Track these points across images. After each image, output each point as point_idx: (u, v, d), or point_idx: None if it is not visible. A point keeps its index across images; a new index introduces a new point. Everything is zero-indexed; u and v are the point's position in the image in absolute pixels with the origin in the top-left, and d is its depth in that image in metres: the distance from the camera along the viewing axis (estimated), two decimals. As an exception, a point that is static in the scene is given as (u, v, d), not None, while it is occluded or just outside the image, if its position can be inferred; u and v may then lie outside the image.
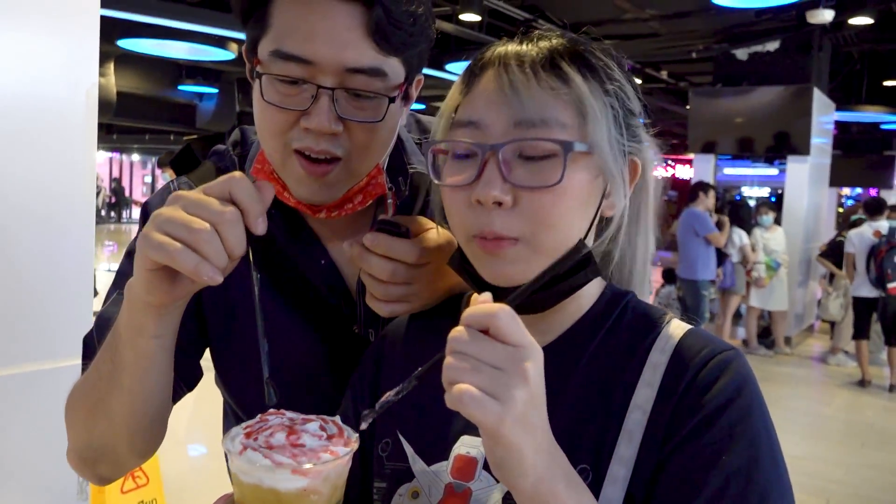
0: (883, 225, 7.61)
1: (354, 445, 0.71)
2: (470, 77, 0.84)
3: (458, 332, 0.65)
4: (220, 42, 8.54)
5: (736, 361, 0.78)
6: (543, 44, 0.82)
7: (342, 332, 1.10)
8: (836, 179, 12.41)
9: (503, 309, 0.65)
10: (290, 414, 0.74)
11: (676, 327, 0.83)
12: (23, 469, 1.89)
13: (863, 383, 7.50)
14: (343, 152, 0.97)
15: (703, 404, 0.75)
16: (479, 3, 7.74)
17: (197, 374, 1.12)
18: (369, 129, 0.98)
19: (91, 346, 1.05)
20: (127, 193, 30.23)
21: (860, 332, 7.61)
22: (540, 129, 0.77)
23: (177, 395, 1.08)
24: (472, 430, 0.84)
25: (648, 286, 0.95)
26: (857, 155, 15.60)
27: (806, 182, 9.34)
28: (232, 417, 1.24)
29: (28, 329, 1.86)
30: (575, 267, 0.81)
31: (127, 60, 11.12)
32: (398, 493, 0.86)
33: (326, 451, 0.68)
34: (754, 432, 0.74)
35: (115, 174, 30.57)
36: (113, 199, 29.01)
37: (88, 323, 2.01)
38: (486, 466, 0.82)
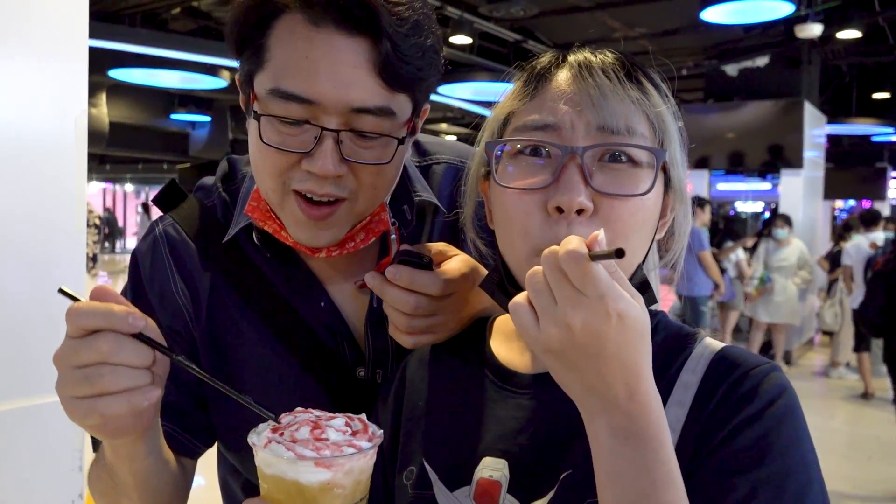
0: (879, 236, 7.60)
1: (379, 440, 0.70)
2: (536, 82, 0.79)
3: (551, 255, 0.63)
4: (212, 70, 8.55)
5: (772, 374, 0.75)
6: (612, 55, 0.79)
7: (345, 378, 1.04)
8: (830, 192, 12.44)
9: (586, 260, 0.61)
10: (316, 412, 0.74)
11: (708, 346, 0.80)
12: (13, 509, 1.83)
13: (866, 396, 7.45)
14: (348, 193, 0.92)
15: (735, 414, 0.72)
16: (470, 26, 7.77)
17: (211, 430, 1.08)
18: (376, 171, 0.92)
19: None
20: (120, 224, 30.16)
21: (861, 345, 7.57)
22: (624, 137, 0.74)
23: (197, 453, 1.07)
24: (493, 451, 0.81)
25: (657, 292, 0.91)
26: (849, 167, 15.66)
27: (800, 195, 9.36)
28: (228, 467, 1.20)
29: (19, 363, 1.81)
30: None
31: (118, 91, 11.14)
32: None
33: (350, 445, 0.68)
34: (787, 443, 0.71)
35: (109, 205, 30.51)
36: (106, 230, 28.94)
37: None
38: (510, 490, 0.78)
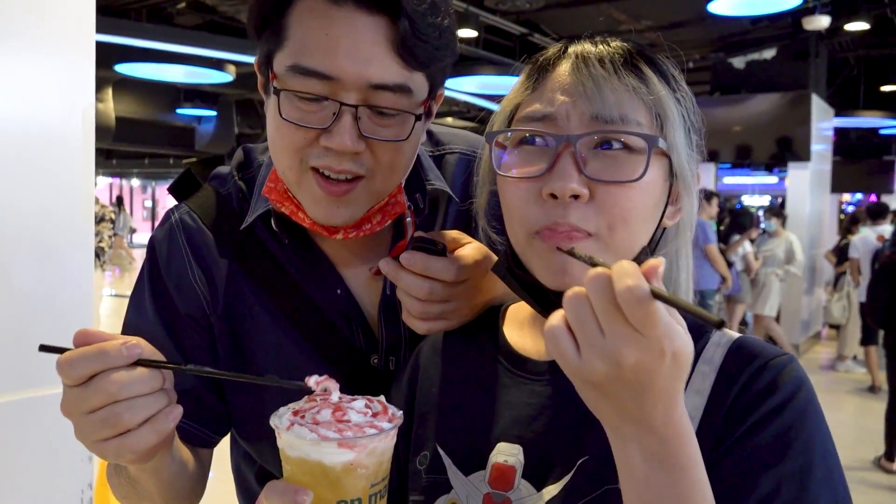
0: (887, 229, 7.57)
1: (399, 421, 0.71)
2: (538, 74, 0.81)
3: (598, 277, 0.58)
4: (218, 65, 8.56)
5: (790, 366, 0.75)
6: (615, 45, 0.80)
7: (359, 366, 1.05)
8: (837, 185, 12.40)
9: (644, 292, 0.56)
10: (335, 394, 0.74)
11: (724, 335, 0.80)
12: (16, 498, 1.84)
13: (873, 389, 7.43)
14: (366, 171, 0.93)
15: (755, 408, 0.72)
16: (476, 20, 7.76)
17: (227, 419, 1.10)
18: (394, 148, 0.93)
19: None
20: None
21: (868, 338, 7.54)
22: (618, 126, 0.75)
23: (213, 442, 1.09)
24: (508, 436, 0.82)
25: (689, 295, 0.91)
26: (856, 160, 15.59)
27: (807, 188, 9.32)
28: (240, 453, 1.21)
29: (28, 354, 1.82)
30: None
31: (124, 85, 11.16)
32: None
33: (371, 426, 0.69)
34: (808, 437, 0.71)
35: (111, 200, 30.64)
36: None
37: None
38: (524, 475, 0.79)
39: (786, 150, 9.27)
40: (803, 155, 9.15)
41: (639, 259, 0.78)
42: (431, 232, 0.98)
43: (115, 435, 0.72)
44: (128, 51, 7.98)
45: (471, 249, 0.95)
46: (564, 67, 0.79)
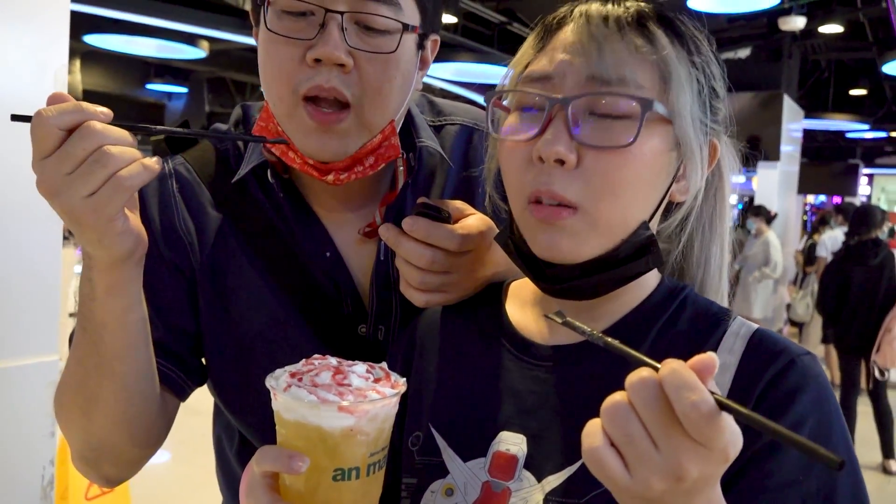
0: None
1: (402, 388, 0.68)
2: (545, 33, 0.78)
3: (650, 384, 0.53)
4: (191, 40, 8.37)
5: (813, 369, 0.73)
6: (629, 4, 0.76)
7: (346, 333, 1.02)
8: (803, 186, 12.60)
9: (713, 406, 0.51)
10: (332, 359, 0.71)
11: (742, 326, 0.77)
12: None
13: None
14: (353, 95, 0.90)
15: (780, 414, 0.69)
16: (455, 5, 7.70)
17: (202, 368, 1.05)
18: (382, 68, 0.91)
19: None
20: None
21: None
22: (616, 88, 0.71)
23: (184, 392, 1.02)
24: (511, 425, 0.79)
25: (724, 300, 0.87)
26: (822, 163, 15.88)
27: (776, 189, 9.46)
28: (223, 423, 1.16)
29: (-10, 327, 1.75)
30: (635, 253, 0.75)
31: (93, 58, 10.89)
32: (430, 490, 0.80)
33: (373, 391, 0.66)
34: (836, 441, 0.69)
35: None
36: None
37: (57, 319, 1.90)
38: (527, 465, 0.76)
39: (755, 148, 9.38)
40: (773, 155, 9.27)
41: (636, 236, 0.74)
42: (435, 199, 0.96)
43: (107, 179, 0.71)
44: (98, 21, 7.76)
45: (475, 219, 0.93)
46: (569, 27, 0.76)
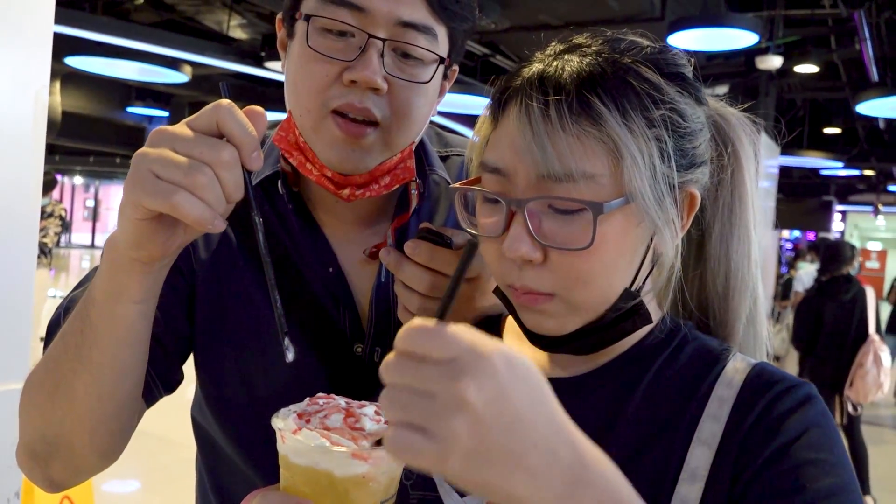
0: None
1: None
2: (496, 107, 0.75)
3: (387, 359, 0.51)
4: (174, 64, 8.37)
5: (812, 396, 0.72)
6: (574, 66, 0.70)
7: (342, 352, 1.00)
8: (779, 222, 12.78)
9: (422, 323, 0.50)
10: (340, 399, 0.67)
11: (742, 361, 0.76)
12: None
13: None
14: (382, 116, 0.92)
15: (778, 431, 0.68)
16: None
17: (178, 377, 1.00)
18: (412, 95, 0.93)
19: (55, 332, 0.91)
20: (67, 217, 29.35)
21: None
22: (566, 184, 0.68)
23: (152, 396, 0.96)
24: None
25: (766, 349, 0.82)
26: (798, 199, 16.13)
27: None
28: (209, 451, 1.11)
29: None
30: (622, 316, 0.75)
31: (74, 79, 10.84)
32: None
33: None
34: (836, 460, 0.67)
35: (56, 197, 29.68)
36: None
37: (27, 346, 1.86)
38: None
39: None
40: (750, 190, 9.41)
41: (620, 304, 0.74)
42: (439, 226, 0.95)
43: (173, 184, 0.68)
44: (80, 43, 7.74)
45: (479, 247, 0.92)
46: (513, 109, 0.72)
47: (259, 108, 0.72)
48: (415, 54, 0.92)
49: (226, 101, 0.70)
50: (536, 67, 0.73)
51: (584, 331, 0.75)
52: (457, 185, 0.79)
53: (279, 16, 0.99)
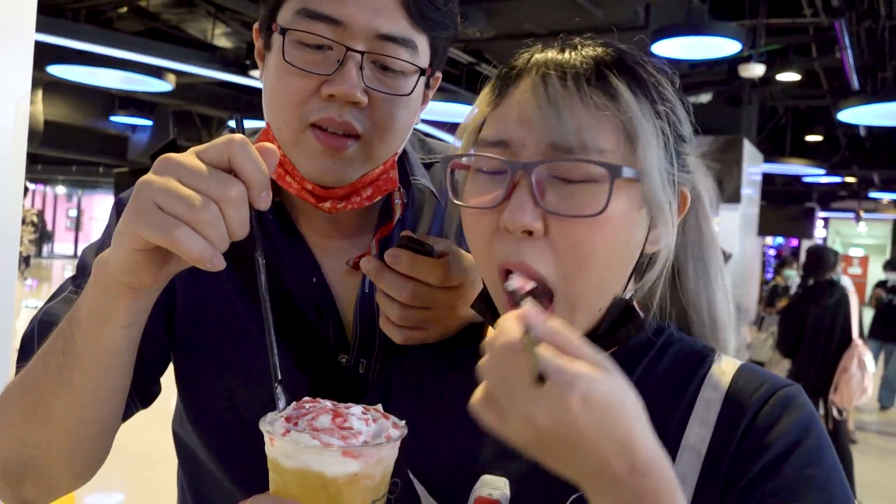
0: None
1: (404, 431, 0.65)
2: (501, 87, 0.74)
3: (484, 359, 0.60)
4: (158, 73, 8.33)
5: (798, 398, 0.71)
6: (588, 52, 0.72)
7: (326, 362, 0.99)
8: (763, 229, 12.87)
9: (510, 339, 0.58)
10: (326, 401, 0.67)
11: (727, 363, 0.76)
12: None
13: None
14: (363, 129, 0.90)
15: (768, 444, 0.68)
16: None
17: (155, 390, 0.98)
18: (393, 107, 0.91)
19: (30, 346, 0.89)
20: (49, 227, 29.05)
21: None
22: (576, 154, 0.68)
23: (129, 411, 0.93)
24: (493, 468, 0.75)
25: (733, 344, 0.83)
26: (781, 206, 16.27)
27: (737, 230, 9.64)
28: (191, 466, 1.09)
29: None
30: (615, 324, 0.74)
31: (56, 88, 10.76)
32: None
33: (381, 436, 0.63)
34: (826, 475, 0.67)
35: (38, 207, 29.37)
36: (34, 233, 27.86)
37: (6, 358, 1.82)
38: None
39: (717, 191, 9.58)
40: (734, 197, 9.47)
41: (613, 310, 0.73)
42: (421, 234, 0.94)
43: (176, 217, 0.65)
44: (62, 52, 7.68)
45: (459, 254, 0.91)
46: (525, 84, 0.71)
47: (272, 147, 0.70)
48: (395, 66, 0.90)
49: (239, 136, 0.68)
50: (548, 52, 0.73)
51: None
52: (452, 154, 0.77)
53: (255, 25, 0.97)
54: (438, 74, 1.01)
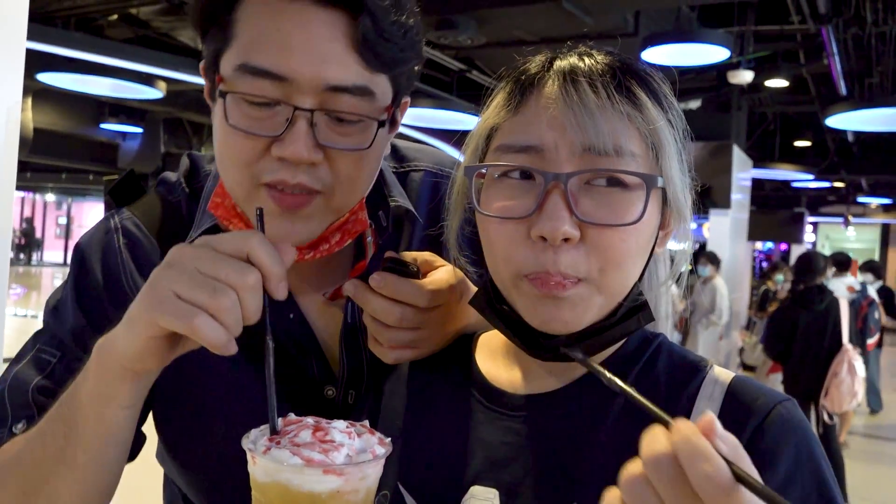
0: (851, 280, 7.75)
1: (389, 448, 0.65)
2: (520, 94, 0.74)
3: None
4: (148, 80, 8.30)
5: (795, 416, 0.72)
6: (603, 60, 0.73)
7: (312, 397, 0.97)
8: (753, 233, 12.93)
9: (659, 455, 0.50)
10: (308, 418, 0.67)
11: (720, 374, 0.77)
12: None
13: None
14: (323, 185, 0.84)
15: (769, 469, 0.68)
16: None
17: (140, 441, 0.97)
18: (355, 159, 0.84)
19: (2, 411, 0.88)
20: (38, 235, 28.86)
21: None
22: (611, 159, 0.69)
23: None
24: (482, 479, 0.75)
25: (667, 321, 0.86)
26: (770, 211, 16.35)
27: (727, 235, 9.68)
28: (174, 495, 1.08)
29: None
30: (628, 313, 0.75)
31: (46, 95, 10.71)
32: None
33: (361, 450, 0.63)
34: (829, 492, 0.69)
35: (28, 214, 29.18)
36: (23, 241, 27.64)
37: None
38: None
39: (707, 197, 9.62)
40: (723, 203, 9.51)
41: (632, 298, 0.74)
42: (403, 252, 0.92)
43: (195, 304, 0.67)
44: (52, 59, 7.65)
45: (445, 272, 0.89)
46: (550, 89, 0.72)
47: (289, 246, 0.73)
48: (351, 117, 0.82)
49: (259, 234, 0.71)
50: (568, 59, 0.74)
51: (590, 331, 0.74)
52: (478, 164, 0.76)
53: (202, 65, 0.89)
54: (407, 99, 0.94)
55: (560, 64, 0.74)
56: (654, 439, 0.50)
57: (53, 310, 0.97)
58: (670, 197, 0.74)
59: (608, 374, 0.58)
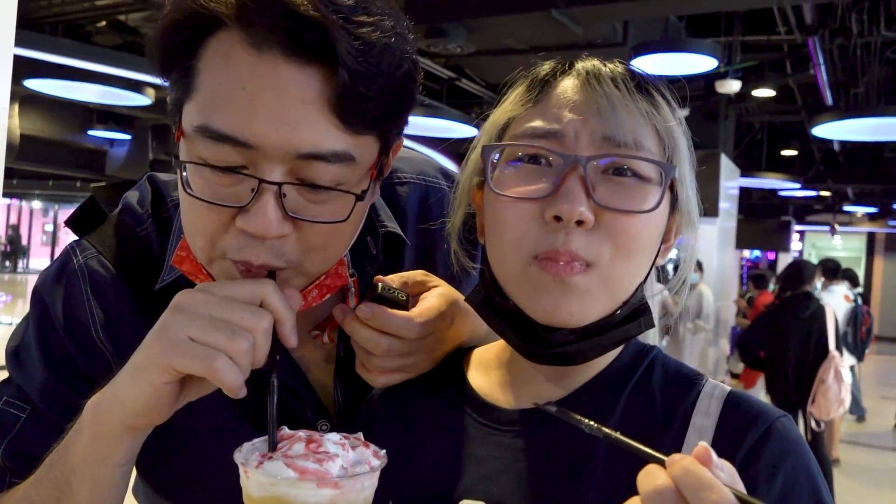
0: (844, 289, 7.76)
1: (384, 460, 0.64)
2: (540, 88, 0.76)
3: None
4: (136, 87, 8.27)
5: (791, 433, 0.73)
6: (619, 65, 0.76)
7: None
8: (740, 242, 13.00)
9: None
10: (301, 431, 0.67)
11: (716, 388, 0.77)
12: None
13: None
14: (288, 263, 0.76)
15: (769, 483, 0.68)
16: (405, 60, 7.79)
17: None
18: (328, 230, 0.76)
19: None
20: (25, 242, 28.62)
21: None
22: (630, 150, 0.71)
23: None
24: (472, 493, 0.75)
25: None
26: (757, 219, 16.45)
27: (715, 244, 9.73)
28: None
29: None
30: (631, 315, 0.75)
31: (32, 102, 10.65)
32: None
33: (356, 462, 0.62)
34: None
35: (14, 221, 28.94)
36: (8, 248, 27.42)
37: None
38: None
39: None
40: (711, 212, 9.56)
41: (635, 298, 0.74)
42: (393, 276, 0.88)
43: (213, 346, 0.67)
44: (39, 65, 7.61)
45: (435, 298, 0.86)
46: (571, 83, 0.74)
47: (295, 292, 0.74)
48: (325, 183, 0.73)
49: (271, 283, 0.71)
50: (588, 61, 0.76)
51: (591, 331, 0.73)
52: (495, 145, 0.77)
53: (168, 103, 0.80)
54: (399, 141, 0.86)
55: (581, 65, 0.76)
56: (653, 475, 0.51)
57: (14, 357, 0.92)
58: (682, 198, 0.76)
59: (587, 422, 0.58)
